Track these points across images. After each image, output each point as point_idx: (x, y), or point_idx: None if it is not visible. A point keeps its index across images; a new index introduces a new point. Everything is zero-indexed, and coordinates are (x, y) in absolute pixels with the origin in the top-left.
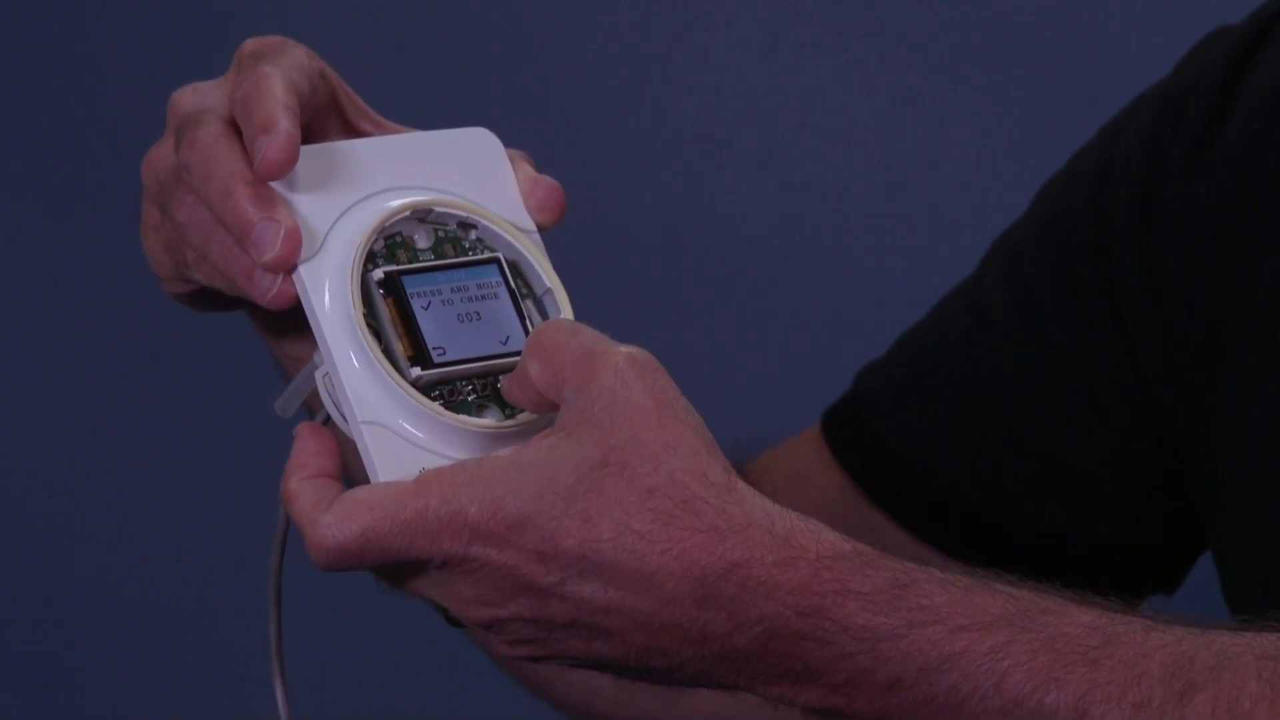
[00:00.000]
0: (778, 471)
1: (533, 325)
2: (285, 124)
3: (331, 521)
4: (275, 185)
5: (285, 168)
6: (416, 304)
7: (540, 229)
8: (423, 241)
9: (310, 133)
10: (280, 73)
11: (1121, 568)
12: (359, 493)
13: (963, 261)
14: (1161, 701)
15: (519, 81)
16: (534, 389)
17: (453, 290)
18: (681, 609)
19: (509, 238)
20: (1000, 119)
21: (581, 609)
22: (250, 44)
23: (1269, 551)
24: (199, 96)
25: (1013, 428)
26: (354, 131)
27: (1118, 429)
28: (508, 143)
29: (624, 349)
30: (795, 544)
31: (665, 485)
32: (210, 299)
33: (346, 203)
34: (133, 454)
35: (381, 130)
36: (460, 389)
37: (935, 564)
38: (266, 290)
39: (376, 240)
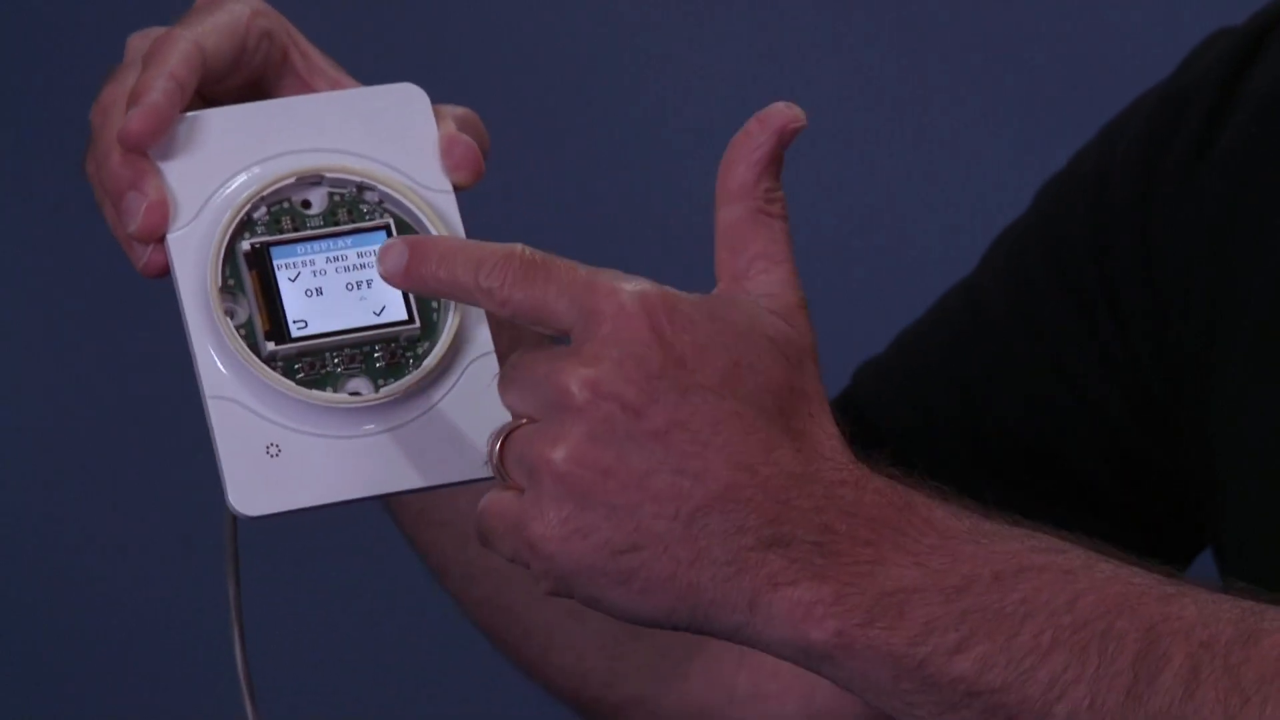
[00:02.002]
0: None
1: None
2: (155, 95)
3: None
4: (161, 151)
5: (145, 139)
6: (283, 276)
7: (456, 189)
8: (317, 205)
9: (261, 91)
10: (190, 36)
11: None
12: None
13: (962, 259)
14: (1229, 640)
15: (522, 82)
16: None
17: (328, 260)
18: (780, 468)
19: (406, 201)
20: (1002, 118)
21: (690, 419)
22: None
23: (1268, 551)
24: (143, 43)
25: (1010, 427)
26: (309, 89)
27: (1116, 428)
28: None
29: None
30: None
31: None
32: None
33: (233, 169)
34: (119, 454)
35: (336, 88)
36: (327, 360)
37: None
38: (139, 258)
39: (258, 208)
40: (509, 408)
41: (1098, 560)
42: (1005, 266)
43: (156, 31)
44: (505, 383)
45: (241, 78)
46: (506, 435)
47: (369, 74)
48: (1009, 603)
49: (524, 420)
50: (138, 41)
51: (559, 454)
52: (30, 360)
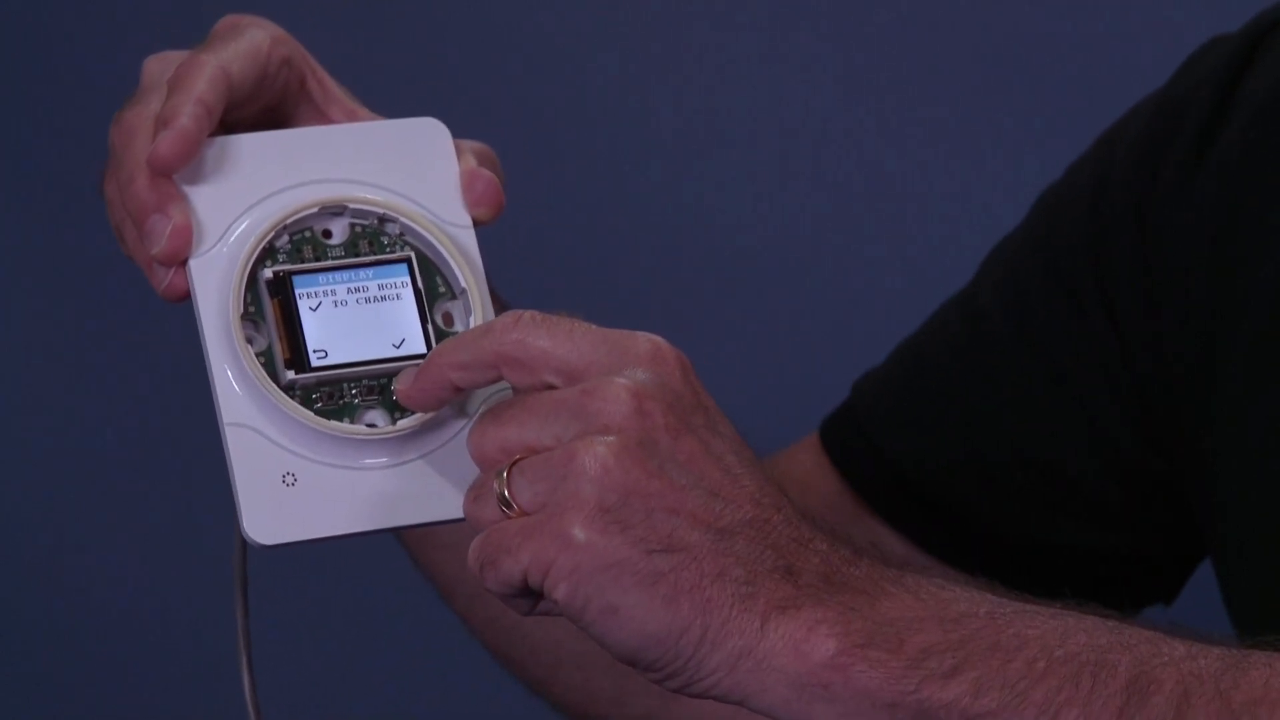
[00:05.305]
0: (777, 477)
1: (440, 326)
2: (184, 120)
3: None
4: (187, 175)
5: (173, 163)
6: (304, 305)
7: (477, 224)
8: (338, 236)
9: (277, 118)
10: (215, 61)
11: (1121, 577)
12: None
13: (960, 270)
14: (1218, 671)
15: (517, 85)
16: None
17: (349, 291)
18: (790, 517)
19: (428, 235)
20: (998, 127)
21: (722, 454)
22: (224, 21)
23: (1268, 559)
24: (163, 67)
25: (1010, 438)
26: (324, 118)
27: (1115, 438)
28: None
29: None
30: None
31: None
32: None
33: (257, 196)
34: (129, 471)
35: (352, 119)
36: (345, 391)
37: (938, 575)
38: (160, 281)
39: (280, 236)
40: (511, 442)
41: (1087, 614)
42: (1003, 278)
43: (173, 55)
44: (504, 420)
45: (260, 104)
46: (513, 465)
47: (375, 100)
48: (1004, 636)
49: (522, 456)
50: (155, 65)
51: (604, 457)
52: (42, 377)
